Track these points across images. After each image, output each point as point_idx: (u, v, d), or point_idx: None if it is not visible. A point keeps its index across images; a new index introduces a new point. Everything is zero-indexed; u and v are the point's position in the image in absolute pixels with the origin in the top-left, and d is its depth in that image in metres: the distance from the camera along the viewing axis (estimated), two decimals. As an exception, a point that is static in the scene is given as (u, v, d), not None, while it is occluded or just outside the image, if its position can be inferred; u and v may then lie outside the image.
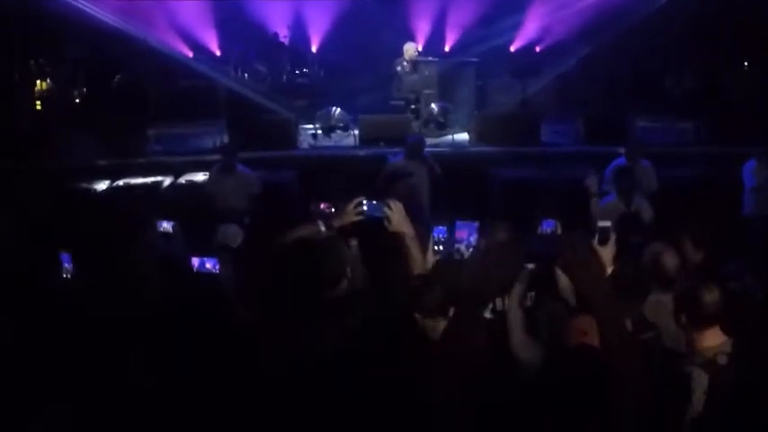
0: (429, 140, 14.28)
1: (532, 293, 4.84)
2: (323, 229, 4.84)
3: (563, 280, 4.41)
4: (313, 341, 4.19)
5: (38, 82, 16.04)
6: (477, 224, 5.21)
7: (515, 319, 4.63)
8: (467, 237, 5.14)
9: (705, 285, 4.58)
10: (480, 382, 3.59)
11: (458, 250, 5.11)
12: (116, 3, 16.74)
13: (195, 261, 6.03)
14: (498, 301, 5.15)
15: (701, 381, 4.29)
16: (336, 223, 4.82)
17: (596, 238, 4.67)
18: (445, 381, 3.46)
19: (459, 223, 5.18)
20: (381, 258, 4.95)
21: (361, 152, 14.04)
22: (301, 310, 4.43)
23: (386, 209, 4.62)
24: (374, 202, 4.69)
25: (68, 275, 6.17)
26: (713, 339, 4.49)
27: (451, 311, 3.94)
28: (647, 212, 9.13)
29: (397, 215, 4.63)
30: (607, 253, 4.55)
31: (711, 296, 4.52)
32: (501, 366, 4.15)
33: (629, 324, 4.29)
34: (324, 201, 5.26)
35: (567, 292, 4.42)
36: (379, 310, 4.49)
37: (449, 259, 5.11)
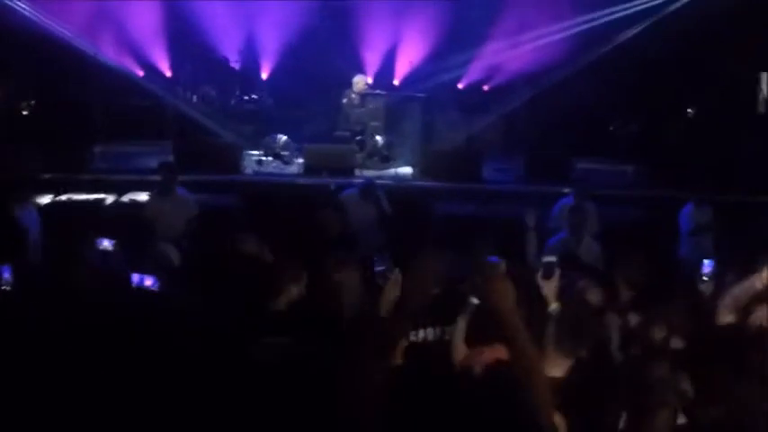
0: (372, 172, 14.44)
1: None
2: None
3: None
4: (255, 354, 4.32)
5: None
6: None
7: (458, 349, 4.79)
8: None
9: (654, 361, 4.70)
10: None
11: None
12: (68, 17, 16.61)
13: (135, 278, 6.08)
14: (429, 331, 5.32)
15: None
16: None
17: (540, 272, 4.84)
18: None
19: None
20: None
21: (305, 180, 14.15)
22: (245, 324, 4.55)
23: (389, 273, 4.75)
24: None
25: (7, 287, 6.17)
26: None
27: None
28: (594, 251, 9.39)
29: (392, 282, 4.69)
30: (551, 287, 4.72)
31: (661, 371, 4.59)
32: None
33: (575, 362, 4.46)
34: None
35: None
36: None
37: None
